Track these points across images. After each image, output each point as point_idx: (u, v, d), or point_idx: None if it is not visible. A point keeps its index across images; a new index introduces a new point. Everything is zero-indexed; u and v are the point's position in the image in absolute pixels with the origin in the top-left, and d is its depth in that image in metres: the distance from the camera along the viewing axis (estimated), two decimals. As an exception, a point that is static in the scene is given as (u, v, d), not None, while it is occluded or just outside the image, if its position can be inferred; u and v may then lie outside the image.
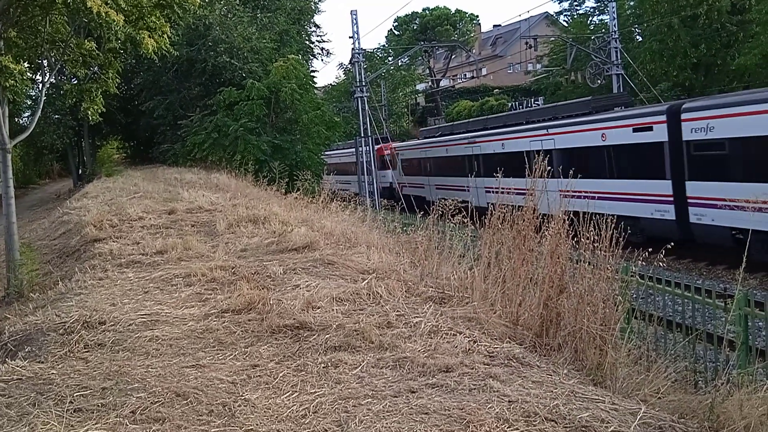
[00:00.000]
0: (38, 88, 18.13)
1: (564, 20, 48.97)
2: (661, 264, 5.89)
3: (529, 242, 5.54)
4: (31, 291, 9.02)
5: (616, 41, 32.88)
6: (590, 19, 43.53)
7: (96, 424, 3.50)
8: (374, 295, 5.74)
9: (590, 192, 19.22)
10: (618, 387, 4.24)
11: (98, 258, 8.42)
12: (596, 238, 5.13)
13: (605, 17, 40.13)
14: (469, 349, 4.44)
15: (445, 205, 7.41)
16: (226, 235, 9.43)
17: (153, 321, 5.43)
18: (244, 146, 23.57)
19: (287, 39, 29.37)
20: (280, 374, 4.19)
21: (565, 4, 45.94)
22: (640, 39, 37.43)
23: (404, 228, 9.73)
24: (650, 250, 6.02)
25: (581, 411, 3.47)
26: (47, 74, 12.72)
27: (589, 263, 5.11)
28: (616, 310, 4.98)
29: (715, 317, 8.60)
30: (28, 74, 12.72)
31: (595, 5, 44.31)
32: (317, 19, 36.56)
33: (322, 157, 27.45)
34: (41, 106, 12.49)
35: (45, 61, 12.54)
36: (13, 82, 10.62)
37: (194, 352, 4.71)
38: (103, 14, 10.11)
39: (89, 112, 12.60)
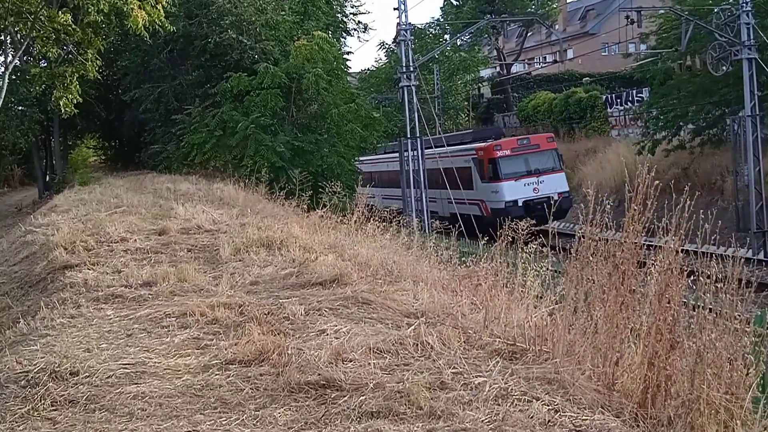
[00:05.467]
0: (-2, 71, 18.76)
1: (678, -13, 48.51)
2: (808, 313, 5.79)
3: (629, 280, 5.50)
4: (-15, 330, 9.25)
5: (747, 15, 32.41)
6: (713, -14, 43.04)
7: (66, 503, 3.58)
8: (423, 346, 5.75)
9: None
10: (749, 476, 4.16)
11: (69, 290, 8.59)
12: (720, 277, 5.07)
13: (733, -16, 39.64)
14: (548, 421, 4.41)
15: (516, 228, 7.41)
16: (231, 263, 9.53)
17: (138, 373, 5.53)
18: (255, 148, 23.86)
19: (313, 10, 29.72)
20: (301, 446, 4.23)
21: (680, -34, 45.53)
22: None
23: (462, 258, 9.72)
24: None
25: (699, 507, 3.42)
26: (10, 55, 13.15)
27: (711, 310, 5.04)
28: (747, 374, 4.89)
29: None
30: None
31: (720, -31, 43.84)
32: (352, -16, 37.02)
33: (355, 163, 27.64)
34: (2, 95, 12.92)
35: (8, 38, 12.96)
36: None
37: (190, 414, 4.78)
38: (83, -21, 10.45)
39: (61, 103, 12.98)
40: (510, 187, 33.92)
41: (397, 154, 40.20)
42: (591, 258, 5.82)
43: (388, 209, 14.14)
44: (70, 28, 12.46)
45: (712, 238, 5.61)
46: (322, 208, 13.48)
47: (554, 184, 33.99)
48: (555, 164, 35.13)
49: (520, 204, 33.11)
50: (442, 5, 68.98)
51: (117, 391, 5.17)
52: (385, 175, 42.91)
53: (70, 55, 12.99)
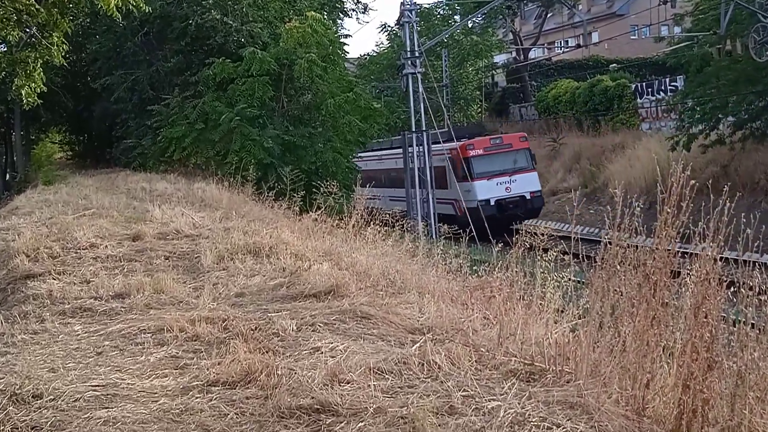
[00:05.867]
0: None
1: (717, -38, 48.50)
2: None
3: (661, 292, 5.49)
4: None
5: (795, -7, 32.40)
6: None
7: None
8: (429, 366, 5.75)
9: None
10: None
11: (32, 302, 8.60)
12: (763, 288, 5.06)
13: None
14: (570, 450, 4.42)
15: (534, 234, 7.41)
16: (214, 272, 9.56)
17: (109, 395, 5.52)
18: (241, 143, 23.88)
19: (306, -12, 29.77)
20: (292, 479, 4.23)
21: (719, -61, 45.52)
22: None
23: (474, 267, 9.71)
24: None
25: None
26: (-34, 38, 13.17)
27: (753, 326, 5.04)
28: (795, 398, 4.89)
29: None
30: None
31: (763, -60, 43.81)
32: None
33: (355, 160, 27.63)
34: (-43, 84, 12.94)
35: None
36: None
37: (168, 442, 4.78)
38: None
39: (23, 92, 12.94)
40: (482, 186, 36.98)
41: (380, 153, 41.20)
42: (618, 267, 5.81)
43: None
44: (33, 8, 12.46)
45: (755, 244, 5.59)
46: (316, 211, 13.48)
47: (526, 184, 37.71)
48: (527, 164, 38.65)
49: (492, 203, 36.62)
50: (451, -18, 69.17)
51: (85, 416, 5.16)
52: (364, 174, 43.63)
53: (33, 39, 12.98)
